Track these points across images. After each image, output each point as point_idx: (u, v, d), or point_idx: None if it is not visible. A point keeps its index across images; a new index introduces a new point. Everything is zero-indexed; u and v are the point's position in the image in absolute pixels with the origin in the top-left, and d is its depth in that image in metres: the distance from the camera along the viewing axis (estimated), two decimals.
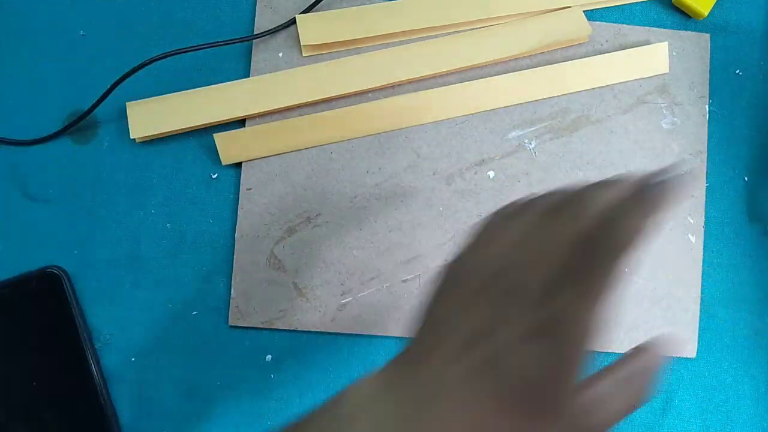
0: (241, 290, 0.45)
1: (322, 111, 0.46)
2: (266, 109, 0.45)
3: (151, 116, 0.45)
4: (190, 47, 0.44)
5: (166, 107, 0.45)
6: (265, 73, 0.46)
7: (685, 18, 0.48)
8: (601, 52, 0.47)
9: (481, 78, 0.46)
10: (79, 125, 0.45)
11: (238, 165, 0.46)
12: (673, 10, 0.48)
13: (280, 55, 0.46)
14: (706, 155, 0.47)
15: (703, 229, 0.47)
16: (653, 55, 0.47)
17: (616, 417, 0.24)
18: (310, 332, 0.45)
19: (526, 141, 0.46)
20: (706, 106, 0.47)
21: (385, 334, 0.45)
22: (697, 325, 0.46)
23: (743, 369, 0.46)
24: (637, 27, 0.47)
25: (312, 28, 0.45)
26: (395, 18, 0.46)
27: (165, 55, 0.43)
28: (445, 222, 0.46)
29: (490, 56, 0.46)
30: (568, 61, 0.47)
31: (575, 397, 0.23)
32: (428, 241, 0.45)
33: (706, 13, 0.47)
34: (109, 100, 0.43)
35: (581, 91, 0.47)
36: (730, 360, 0.46)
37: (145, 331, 0.45)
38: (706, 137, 0.47)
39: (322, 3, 0.46)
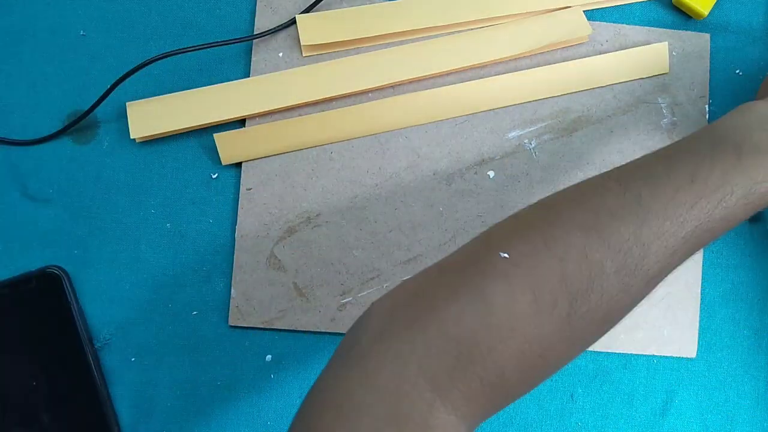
0: (241, 290, 0.45)
1: (322, 111, 0.46)
2: (266, 109, 0.45)
3: (151, 116, 0.45)
4: (190, 47, 0.44)
5: (166, 107, 0.45)
6: (265, 73, 0.46)
7: (685, 18, 0.48)
8: (601, 52, 0.47)
9: (481, 78, 0.46)
10: (79, 125, 0.45)
11: (238, 165, 0.46)
12: (673, 10, 0.48)
13: (280, 55, 0.46)
14: None
15: None
16: (653, 55, 0.47)
17: None
18: (310, 332, 0.45)
19: (526, 141, 0.46)
20: (706, 106, 0.47)
21: None
22: (697, 325, 0.46)
23: (743, 369, 0.46)
24: (637, 27, 0.47)
25: (312, 28, 0.45)
26: (395, 18, 0.46)
27: (165, 55, 0.43)
28: (445, 222, 0.46)
29: (490, 56, 0.46)
30: (568, 61, 0.47)
31: None
32: (428, 241, 0.45)
33: (706, 13, 0.47)
34: (109, 100, 0.43)
35: (581, 91, 0.47)
36: (730, 360, 0.46)
37: (145, 331, 0.45)
38: None
39: (322, 3, 0.46)
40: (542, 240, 0.29)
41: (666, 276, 0.31)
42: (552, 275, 0.28)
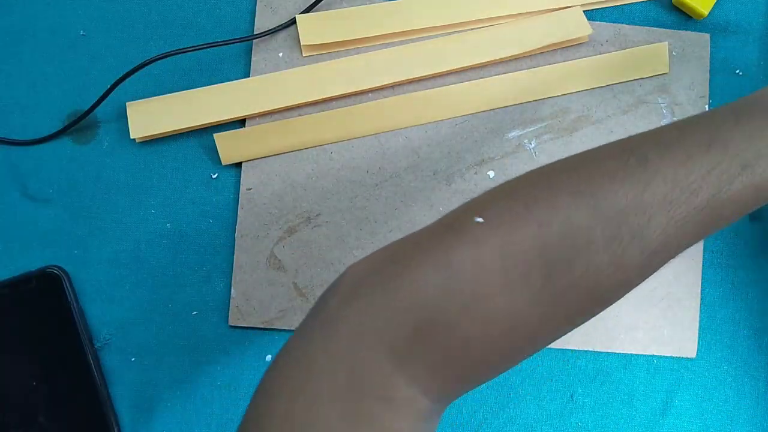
0: (241, 290, 0.45)
1: (322, 111, 0.46)
2: (266, 109, 0.45)
3: (151, 116, 0.45)
4: (190, 47, 0.44)
5: (166, 107, 0.45)
6: (265, 73, 0.46)
7: (685, 18, 0.48)
8: (601, 52, 0.47)
9: (481, 78, 0.46)
10: (79, 125, 0.45)
11: (238, 165, 0.46)
12: (673, 10, 0.48)
13: (280, 55, 0.46)
14: None
15: None
16: (653, 55, 0.47)
17: None
18: None
19: (526, 141, 0.46)
20: (706, 106, 0.47)
21: None
22: (697, 325, 0.46)
23: (743, 369, 0.46)
24: (637, 27, 0.47)
25: (312, 28, 0.45)
26: (395, 18, 0.46)
27: (165, 55, 0.43)
28: None
29: (490, 56, 0.46)
30: (568, 61, 0.47)
31: None
32: None
33: (706, 13, 0.47)
34: (109, 100, 0.43)
35: (581, 91, 0.47)
36: (730, 360, 0.46)
37: (145, 331, 0.45)
38: None
39: (322, 3, 0.46)
40: (523, 204, 0.26)
41: (677, 252, 0.27)
42: (527, 242, 0.25)
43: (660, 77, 0.47)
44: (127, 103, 0.45)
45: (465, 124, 0.46)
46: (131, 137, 0.44)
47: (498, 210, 0.27)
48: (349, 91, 0.46)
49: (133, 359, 0.45)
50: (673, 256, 0.27)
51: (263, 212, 0.45)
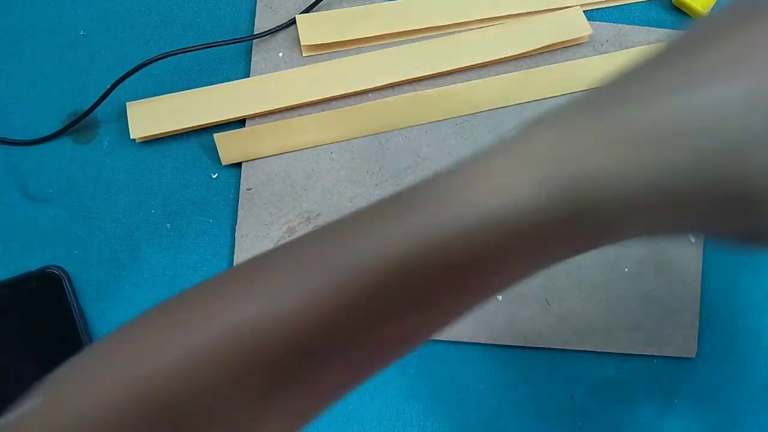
0: None
1: (322, 111, 0.46)
2: (266, 109, 0.45)
3: (151, 116, 0.45)
4: (190, 47, 0.44)
5: (166, 107, 0.45)
6: (265, 73, 0.46)
7: (685, 18, 0.48)
8: (601, 52, 0.47)
9: (481, 78, 0.46)
10: (79, 125, 0.45)
11: (238, 165, 0.46)
12: (673, 10, 0.48)
13: (280, 55, 0.46)
14: None
15: None
16: None
17: None
18: None
19: None
20: None
21: None
22: (697, 325, 0.46)
23: (743, 369, 0.46)
24: (637, 27, 0.47)
25: (312, 28, 0.45)
26: (395, 18, 0.46)
27: (165, 55, 0.43)
28: None
29: (490, 56, 0.46)
30: (568, 61, 0.47)
31: None
32: None
33: (706, 14, 0.47)
34: (109, 100, 0.43)
35: (581, 91, 0.47)
36: (730, 360, 0.46)
37: None
38: None
39: (322, 3, 0.46)
40: (87, 368, 0.20)
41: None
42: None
43: None
44: (127, 103, 0.45)
45: (465, 124, 0.46)
46: (131, 137, 0.44)
47: (69, 376, 0.20)
48: (349, 91, 0.46)
49: None
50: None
51: (263, 212, 0.45)
